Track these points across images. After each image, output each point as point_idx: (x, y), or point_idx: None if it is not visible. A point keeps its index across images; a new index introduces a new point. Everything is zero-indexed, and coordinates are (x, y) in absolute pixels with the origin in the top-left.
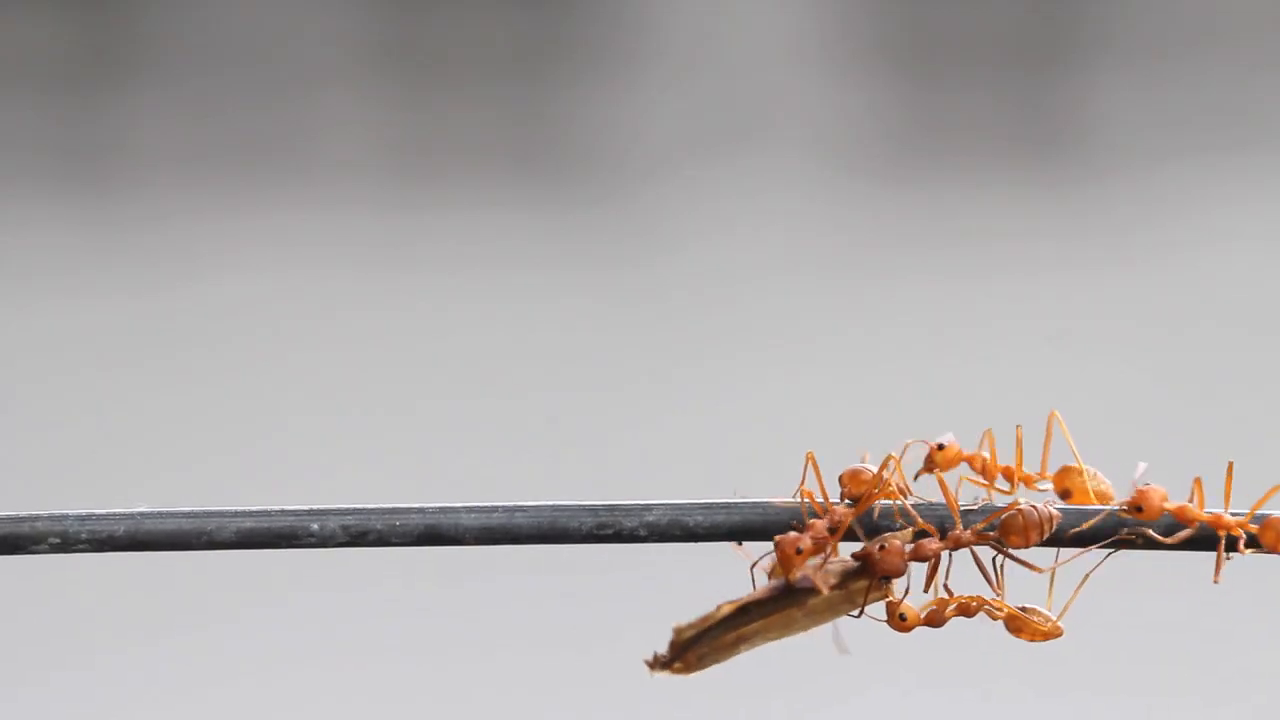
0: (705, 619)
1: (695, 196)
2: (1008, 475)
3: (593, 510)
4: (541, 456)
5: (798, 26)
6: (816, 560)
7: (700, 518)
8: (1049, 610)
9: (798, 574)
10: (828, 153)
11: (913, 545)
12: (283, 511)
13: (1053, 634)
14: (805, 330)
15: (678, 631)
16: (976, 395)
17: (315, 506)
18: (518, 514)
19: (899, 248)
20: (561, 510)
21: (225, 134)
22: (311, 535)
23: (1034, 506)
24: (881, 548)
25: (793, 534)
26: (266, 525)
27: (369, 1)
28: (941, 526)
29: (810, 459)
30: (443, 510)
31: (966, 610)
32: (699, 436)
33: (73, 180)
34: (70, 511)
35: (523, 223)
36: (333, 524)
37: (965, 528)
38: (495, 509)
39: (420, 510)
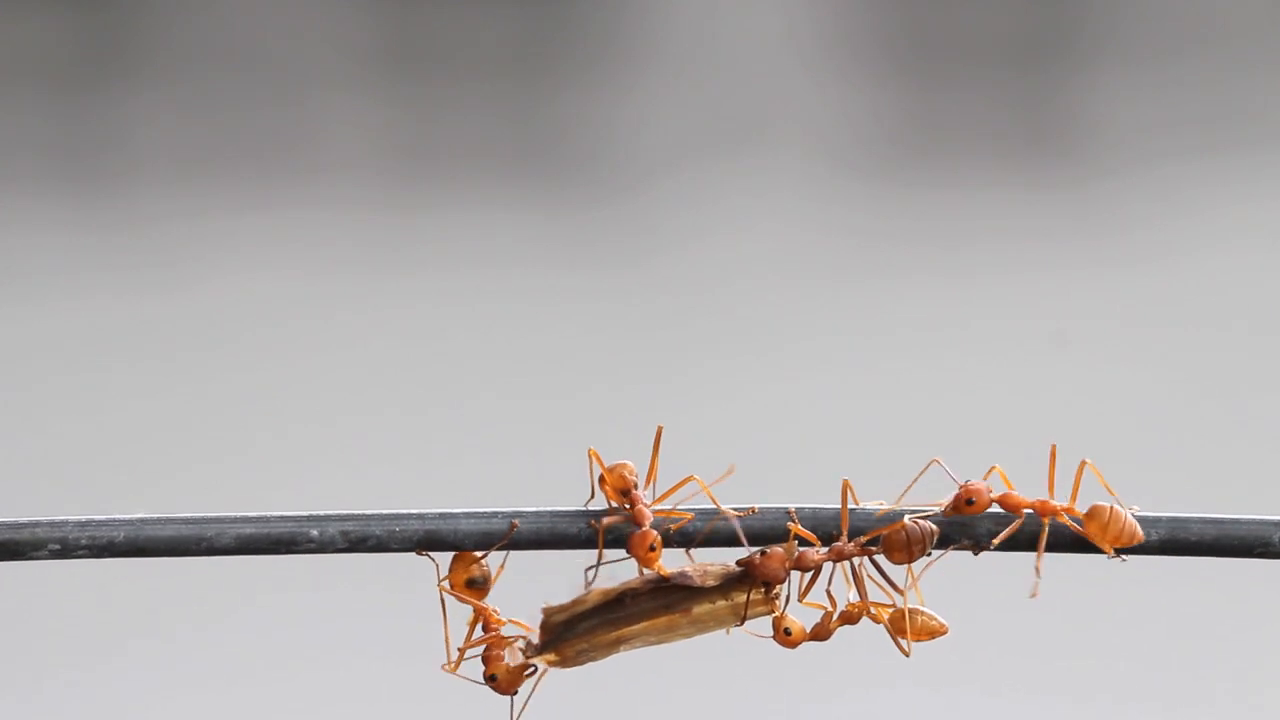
0: (575, 603)
1: (695, 196)
2: (1040, 510)
3: (593, 516)
4: (542, 457)
5: (798, 27)
6: (700, 563)
7: (699, 524)
8: (929, 609)
9: (668, 570)
10: (828, 153)
11: (795, 555)
12: (282, 518)
13: (938, 632)
14: (805, 331)
15: (547, 613)
16: (977, 395)
17: (315, 513)
18: (517, 520)
19: (899, 248)
20: (561, 516)
21: (225, 134)
22: (311, 541)
23: (916, 523)
24: (763, 553)
25: (639, 532)
26: (266, 531)
27: (369, 2)
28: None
29: (594, 455)
30: (442, 516)
31: (850, 619)
32: (699, 438)
33: (73, 180)
34: (70, 518)
35: (522, 223)
36: (332, 530)
37: (849, 540)
38: (495, 514)
39: (419, 516)
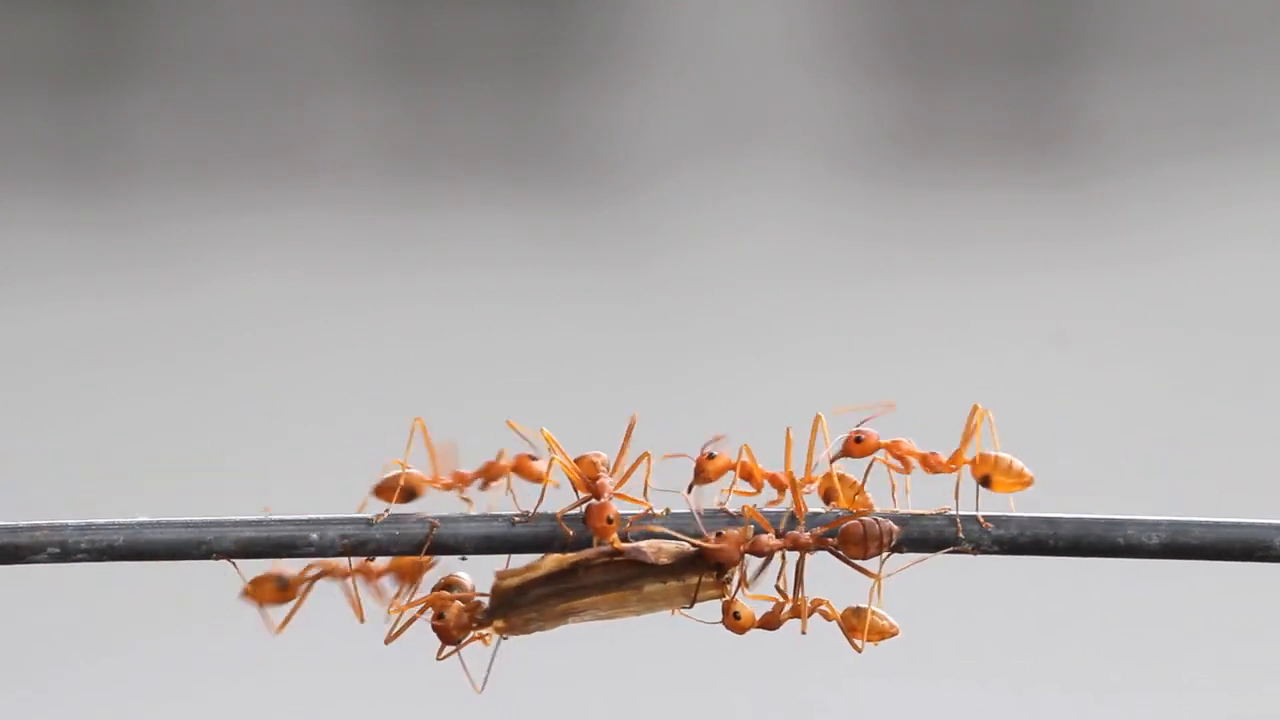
0: (528, 568)
1: (695, 196)
2: (774, 482)
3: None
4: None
5: (798, 28)
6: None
7: (674, 521)
8: (882, 610)
9: (621, 543)
10: (828, 153)
11: (750, 539)
12: (282, 521)
13: (888, 633)
14: (805, 331)
15: (499, 578)
16: (976, 395)
17: (315, 516)
18: (518, 524)
19: (899, 248)
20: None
21: (225, 134)
22: (310, 545)
23: (876, 520)
24: (718, 534)
25: (597, 503)
26: (266, 535)
27: (369, 2)
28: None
29: (550, 439)
30: (441, 519)
31: (801, 612)
32: (699, 438)
33: (73, 180)
34: (69, 521)
35: (522, 223)
36: (332, 534)
37: (806, 530)
38: (496, 518)
39: (421, 520)
